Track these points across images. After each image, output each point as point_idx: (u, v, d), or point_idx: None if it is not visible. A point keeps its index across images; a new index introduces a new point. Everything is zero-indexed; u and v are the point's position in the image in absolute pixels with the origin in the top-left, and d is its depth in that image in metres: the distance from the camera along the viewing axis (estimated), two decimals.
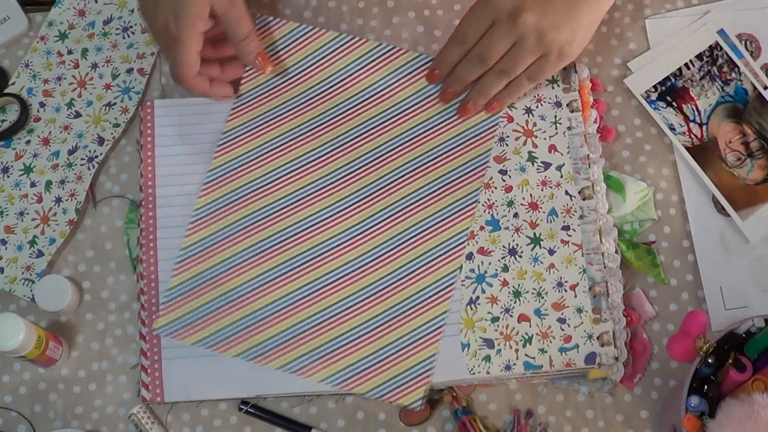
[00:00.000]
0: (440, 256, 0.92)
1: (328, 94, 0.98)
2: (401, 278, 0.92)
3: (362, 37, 1.01)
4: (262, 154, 0.96)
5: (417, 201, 0.94)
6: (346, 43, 1.00)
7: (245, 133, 0.97)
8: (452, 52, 0.95)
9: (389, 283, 0.92)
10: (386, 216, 0.94)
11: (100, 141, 0.99)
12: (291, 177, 0.95)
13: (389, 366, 0.89)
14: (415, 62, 0.99)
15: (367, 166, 0.96)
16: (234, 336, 0.90)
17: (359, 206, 0.94)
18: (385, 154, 0.96)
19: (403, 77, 0.99)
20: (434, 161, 0.95)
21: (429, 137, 0.96)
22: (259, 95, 0.99)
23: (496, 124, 0.96)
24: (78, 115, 1.01)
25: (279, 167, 0.96)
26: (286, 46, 1.00)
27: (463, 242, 0.93)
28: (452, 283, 0.91)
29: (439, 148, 0.96)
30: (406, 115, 0.97)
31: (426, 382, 0.89)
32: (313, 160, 0.96)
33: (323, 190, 0.95)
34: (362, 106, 0.98)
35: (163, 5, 0.91)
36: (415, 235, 0.93)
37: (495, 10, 0.91)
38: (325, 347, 0.90)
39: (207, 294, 0.92)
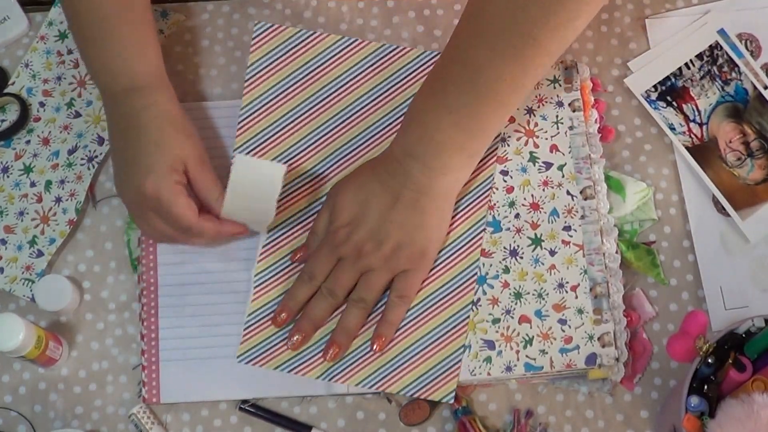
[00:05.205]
0: (461, 248, 0.93)
1: (333, 98, 0.98)
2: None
3: (363, 37, 1.00)
4: None
5: None
6: (348, 45, 0.99)
7: (255, 146, 0.97)
8: (301, 290, 0.91)
9: None
10: None
11: (100, 141, 0.99)
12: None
13: (419, 363, 0.90)
14: (421, 59, 0.98)
15: None
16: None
17: None
18: None
19: (408, 75, 0.98)
20: None
21: None
22: (263, 106, 0.98)
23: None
24: (78, 115, 1.00)
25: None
26: (286, 53, 0.99)
27: (481, 233, 0.93)
28: (474, 274, 0.92)
29: None
30: None
31: (455, 375, 0.89)
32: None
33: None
34: (368, 109, 0.97)
35: (133, 174, 0.88)
36: None
37: (338, 250, 0.89)
38: (356, 351, 0.90)
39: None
